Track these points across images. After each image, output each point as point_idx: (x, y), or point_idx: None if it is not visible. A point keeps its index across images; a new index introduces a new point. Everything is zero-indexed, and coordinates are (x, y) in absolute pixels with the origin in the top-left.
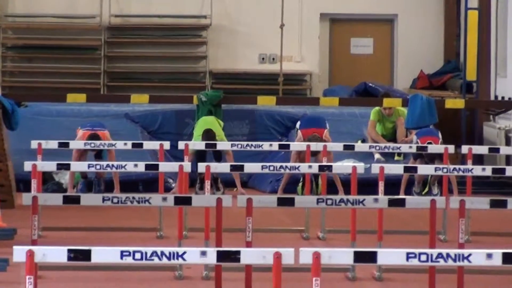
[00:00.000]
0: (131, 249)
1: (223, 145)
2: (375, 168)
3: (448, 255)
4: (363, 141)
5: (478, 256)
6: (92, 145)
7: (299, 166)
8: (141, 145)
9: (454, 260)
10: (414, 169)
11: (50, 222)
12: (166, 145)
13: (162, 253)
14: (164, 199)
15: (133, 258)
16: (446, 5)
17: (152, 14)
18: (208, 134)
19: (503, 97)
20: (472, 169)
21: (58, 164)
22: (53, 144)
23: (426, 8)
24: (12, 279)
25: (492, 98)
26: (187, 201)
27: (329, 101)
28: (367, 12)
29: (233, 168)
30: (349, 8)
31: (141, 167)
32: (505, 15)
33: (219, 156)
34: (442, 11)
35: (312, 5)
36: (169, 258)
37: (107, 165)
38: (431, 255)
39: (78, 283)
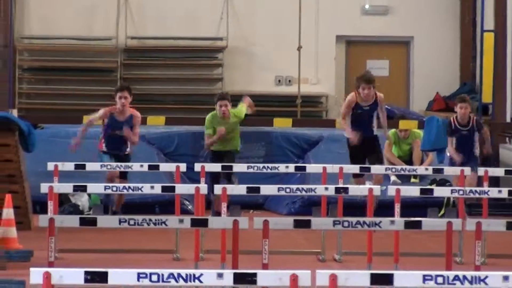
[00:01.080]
0: (147, 271)
1: (239, 166)
2: (392, 190)
3: (464, 277)
4: None
5: (494, 278)
6: (109, 166)
7: (315, 188)
8: (157, 167)
9: (471, 283)
10: (431, 191)
11: (67, 244)
12: (183, 167)
13: (179, 275)
14: (181, 221)
15: (150, 280)
16: (462, 27)
17: (168, 36)
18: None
19: None
20: (489, 191)
21: (74, 186)
22: (69, 166)
23: (442, 30)
24: None
25: (508, 120)
26: (203, 223)
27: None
28: (383, 34)
29: (250, 190)
30: (365, 31)
31: (157, 189)
32: None
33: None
34: (458, 33)
35: (328, 28)
36: (185, 280)
37: (123, 187)
38: (448, 277)
39: None
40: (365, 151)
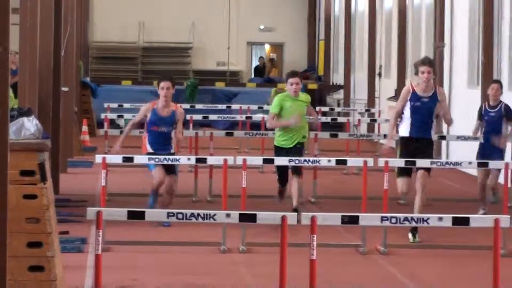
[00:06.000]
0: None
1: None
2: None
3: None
4: (268, 104)
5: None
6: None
7: (236, 116)
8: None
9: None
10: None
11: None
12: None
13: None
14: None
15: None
16: (308, 37)
17: (165, 41)
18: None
19: (336, 83)
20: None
21: (117, 115)
22: (115, 105)
23: (299, 39)
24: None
25: (331, 83)
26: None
27: (251, 85)
28: (269, 40)
29: (204, 117)
30: (261, 39)
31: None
32: (337, 43)
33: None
34: (306, 40)
35: (243, 37)
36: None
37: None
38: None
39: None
40: (417, 152)
